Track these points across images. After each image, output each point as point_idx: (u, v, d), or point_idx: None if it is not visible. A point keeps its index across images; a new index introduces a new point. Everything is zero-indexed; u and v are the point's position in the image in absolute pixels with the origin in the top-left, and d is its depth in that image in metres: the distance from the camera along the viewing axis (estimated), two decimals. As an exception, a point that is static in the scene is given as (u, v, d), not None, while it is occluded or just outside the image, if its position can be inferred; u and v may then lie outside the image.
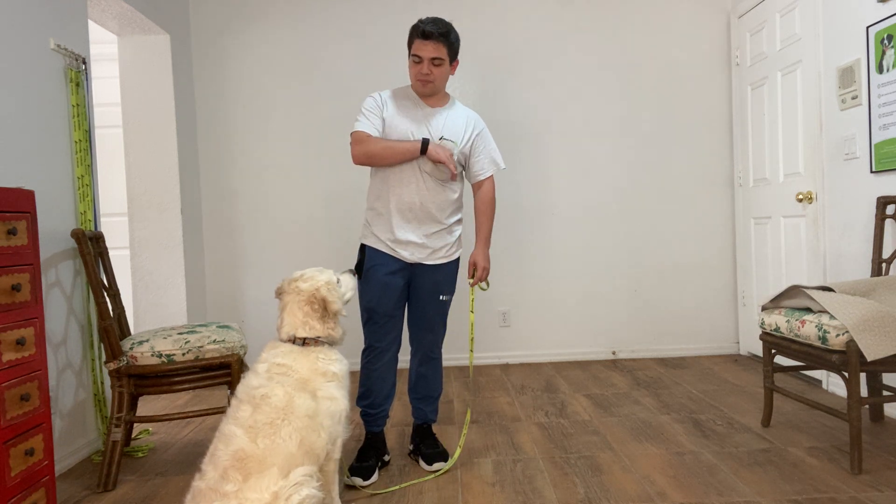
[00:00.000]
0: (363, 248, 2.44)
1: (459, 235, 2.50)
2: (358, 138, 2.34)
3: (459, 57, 4.13)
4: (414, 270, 2.42)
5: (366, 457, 2.38)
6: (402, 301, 2.42)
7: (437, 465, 2.40)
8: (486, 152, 2.49)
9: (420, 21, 2.34)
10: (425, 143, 2.30)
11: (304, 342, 1.90)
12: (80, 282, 2.73)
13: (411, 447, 2.55)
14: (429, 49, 2.30)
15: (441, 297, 2.45)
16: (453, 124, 2.43)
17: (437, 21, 2.32)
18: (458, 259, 2.50)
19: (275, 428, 1.65)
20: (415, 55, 2.34)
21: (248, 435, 1.63)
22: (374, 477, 2.34)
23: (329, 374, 1.84)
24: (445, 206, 2.40)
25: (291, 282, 1.97)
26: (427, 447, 2.46)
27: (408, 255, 2.37)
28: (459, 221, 2.50)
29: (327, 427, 1.78)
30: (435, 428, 2.87)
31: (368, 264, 2.40)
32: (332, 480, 1.90)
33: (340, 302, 1.98)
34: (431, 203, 2.37)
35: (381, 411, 2.43)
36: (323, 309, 1.94)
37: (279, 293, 2.01)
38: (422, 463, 2.45)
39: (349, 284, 2.09)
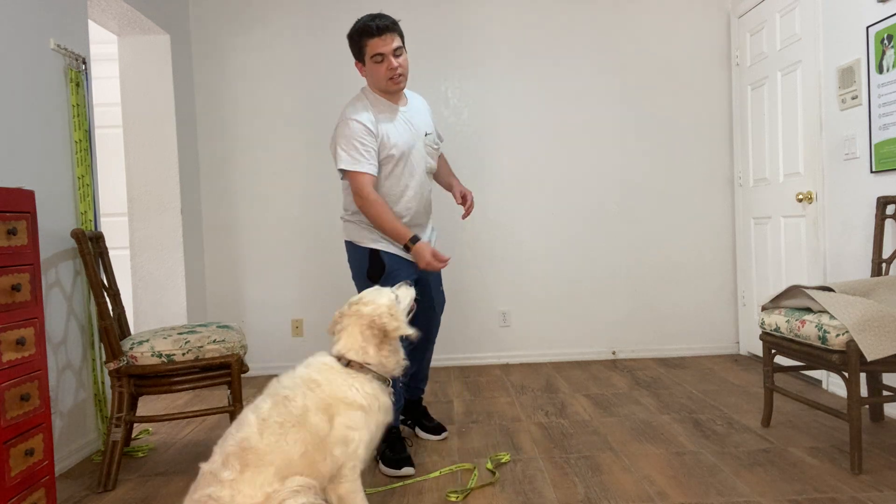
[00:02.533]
0: (376, 253, 2.42)
1: None
2: (361, 183, 2.30)
3: (457, 56, 4.15)
4: (421, 269, 2.48)
5: (402, 447, 2.42)
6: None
7: (444, 434, 2.69)
8: (436, 126, 2.64)
9: (362, 24, 2.28)
10: (415, 239, 2.33)
11: (349, 364, 1.81)
12: (80, 282, 2.73)
13: (408, 423, 2.74)
14: (387, 43, 2.27)
15: (440, 288, 2.71)
16: (422, 116, 2.51)
17: (378, 15, 2.28)
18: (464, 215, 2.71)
19: (284, 429, 1.64)
20: (376, 55, 2.28)
21: (258, 426, 1.63)
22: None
23: (355, 405, 1.75)
24: (431, 205, 2.63)
25: (352, 305, 1.91)
26: (428, 420, 2.73)
27: None
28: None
29: (336, 455, 1.70)
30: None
31: (390, 269, 2.40)
32: (353, 500, 1.77)
33: (403, 323, 1.88)
34: (429, 203, 2.59)
35: (400, 406, 2.62)
36: (382, 335, 1.85)
37: (337, 321, 1.92)
38: (427, 435, 2.69)
39: (408, 299, 1.99)
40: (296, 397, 1.70)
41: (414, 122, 2.44)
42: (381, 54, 2.28)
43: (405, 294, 2.00)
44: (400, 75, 2.33)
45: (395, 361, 1.89)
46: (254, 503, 1.54)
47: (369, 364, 1.83)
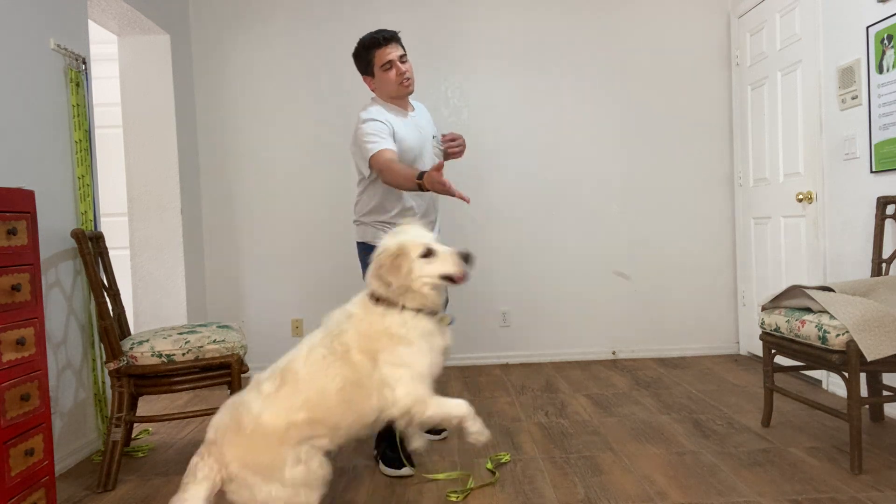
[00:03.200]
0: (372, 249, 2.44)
1: None
2: (381, 158, 2.33)
3: (457, 56, 4.15)
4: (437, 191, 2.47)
5: (402, 447, 2.37)
6: None
7: (444, 434, 2.74)
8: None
9: (368, 38, 2.46)
10: (421, 175, 2.25)
11: (378, 300, 1.76)
12: (80, 282, 2.73)
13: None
14: (393, 51, 2.45)
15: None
16: (427, 119, 2.68)
17: (379, 30, 2.48)
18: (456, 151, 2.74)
19: (327, 362, 1.68)
20: (385, 63, 2.45)
21: (306, 353, 1.70)
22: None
23: (395, 338, 1.70)
24: (433, 200, 2.62)
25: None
26: None
27: None
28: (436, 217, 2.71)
29: (385, 397, 1.67)
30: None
31: None
32: (438, 414, 1.71)
33: (412, 276, 1.73)
34: (436, 197, 2.62)
35: None
36: (394, 271, 1.71)
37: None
38: (428, 436, 2.68)
39: (447, 265, 1.77)
40: (349, 332, 1.73)
41: (422, 127, 2.59)
42: (389, 61, 2.44)
43: (447, 257, 1.78)
44: (408, 79, 2.48)
45: (423, 296, 1.76)
46: (274, 427, 1.60)
47: (391, 298, 1.75)
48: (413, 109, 2.61)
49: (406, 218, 2.40)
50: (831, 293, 2.35)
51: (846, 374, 2.26)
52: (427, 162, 2.55)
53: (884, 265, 2.74)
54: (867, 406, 2.85)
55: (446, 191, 2.14)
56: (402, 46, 2.49)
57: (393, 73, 2.45)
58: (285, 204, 4.15)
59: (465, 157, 4.11)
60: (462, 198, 2.19)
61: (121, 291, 2.74)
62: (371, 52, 2.46)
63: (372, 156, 2.36)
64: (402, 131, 2.46)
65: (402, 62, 2.46)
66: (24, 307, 1.95)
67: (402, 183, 2.31)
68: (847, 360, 2.18)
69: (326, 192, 4.14)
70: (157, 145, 3.74)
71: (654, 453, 2.48)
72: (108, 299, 2.56)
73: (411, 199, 2.52)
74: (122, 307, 2.68)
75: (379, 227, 2.52)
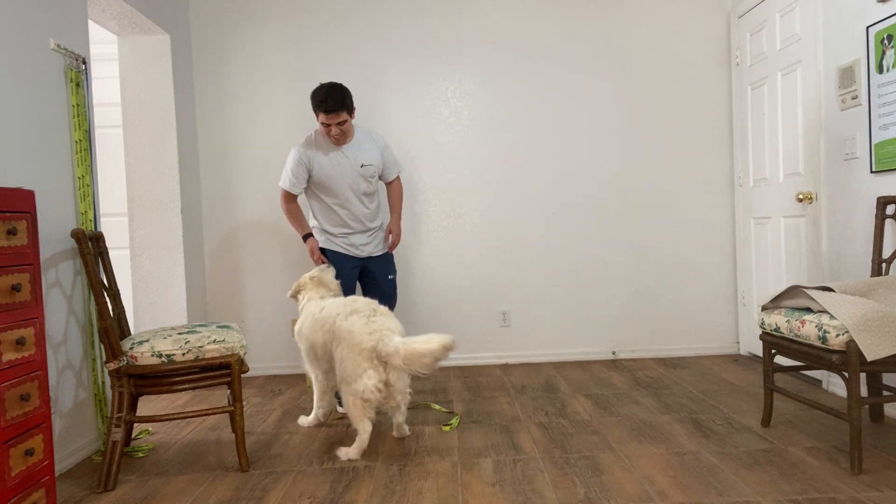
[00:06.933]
0: (323, 250, 3.28)
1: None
2: (284, 196, 3.27)
3: (457, 56, 4.16)
4: (366, 261, 3.33)
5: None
6: (355, 284, 3.34)
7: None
8: (392, 160, 3.40)
9: (319, 98, 3.01)
10: (306, 237, 3.27)
11: None
12: (80, 282, 2.73)
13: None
14: (333, 119, 3.05)
15: (389, 276, 3.38)
16: (366, 151, 3.24)
17: (331, 94, 2.99)
18: (388, 250, 3.45)
19: None
20: (324, 124, 3.08)
21: None
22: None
23: None
24: (374, 215, 3.33)
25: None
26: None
27: (358, 251, 3.30)
28: (381, 223, 3.43)
29: None
30: (433, 430, 2.87)
31: (331, 261, 3.25)
32: None
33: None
34: (369, 214, 3.30)
35: None
36: None
37: None
38: (340, 408, 3.15)
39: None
40: None
41: (350, 157, 3.19)
42: (327, 125, 3.08)
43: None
44: (338, 138, 3.12)
45: None
46: None
47: None
48: (350, 140, 3.20)
49: (337, 226, 3.26)
50: (831, 293, 2.35)
51: (846, 374, 2.26)
52: (343, 184, 3.18)
53: (884, 265, 2.75)
54: (867, 406, 2.86)
55: (312, 257, 3.26)
56: (345, 110, 3.04)
57: (326, 131, 3.10)
58: (285, 204, 4.15)
59: (464, 156, 4.16)
60: (321, 261, 3.23)
61: (121, 291, 2.74)
62: (318, 112, 3.06)
63: (283, 189, 3.23)
64: (322, 161, 3.16)
65: (340, 125, 3.06)
66: (24, 307, 1.95)
67: (293, 227, 3.30)
68: (847, 360, 2.18)
69: (326, 192, 4.14)
70: (157, 145, 3.74)
71: (654, 453, 2.48)
72: (108, 299, 2.56)
73: (331, 210, 3.22)
74: (122, 307, 2.68)
75: (319, 232, 3.29)
